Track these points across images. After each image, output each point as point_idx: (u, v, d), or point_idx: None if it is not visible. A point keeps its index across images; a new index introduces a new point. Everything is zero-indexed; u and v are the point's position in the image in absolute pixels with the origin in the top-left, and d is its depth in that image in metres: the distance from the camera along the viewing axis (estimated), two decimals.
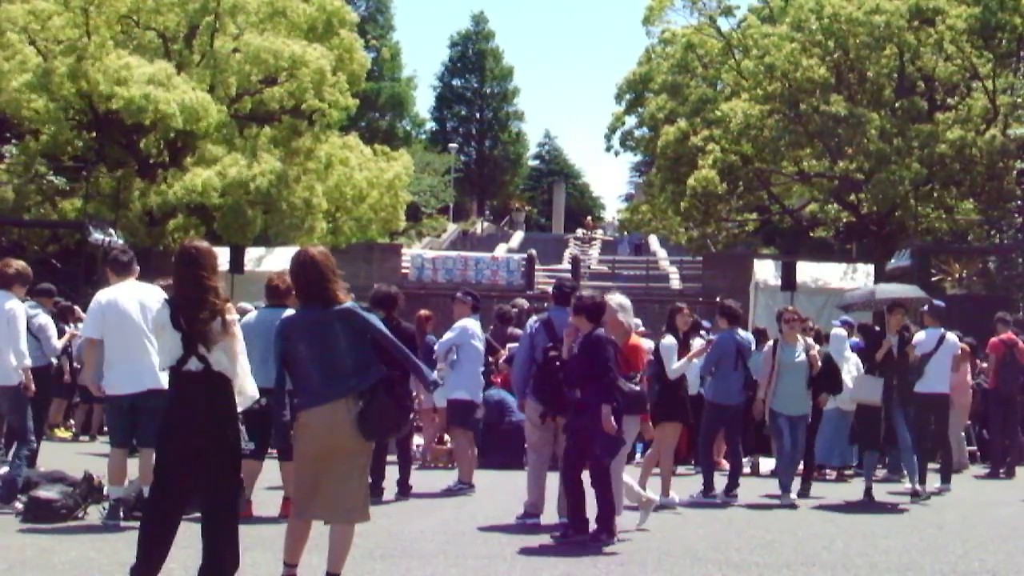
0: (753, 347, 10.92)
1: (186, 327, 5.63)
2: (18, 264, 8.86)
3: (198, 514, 5.76)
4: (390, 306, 9.60)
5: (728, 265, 28.42)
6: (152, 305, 7.43)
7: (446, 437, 12.71)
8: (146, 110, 23.57)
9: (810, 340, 10.74)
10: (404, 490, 9.94)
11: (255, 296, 10.97)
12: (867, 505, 10.26)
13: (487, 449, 12.41)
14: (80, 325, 14.52)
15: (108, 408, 8.59)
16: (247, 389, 5.88)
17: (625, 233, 45.11)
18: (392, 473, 9.97)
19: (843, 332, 12.92)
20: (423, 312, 13.39)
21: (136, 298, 7.78)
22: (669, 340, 10.02)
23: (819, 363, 10.43)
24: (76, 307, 14.65)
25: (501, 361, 13.61)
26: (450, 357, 10.66)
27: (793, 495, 10.27)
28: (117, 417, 8.12)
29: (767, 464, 13.61)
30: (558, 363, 8.38)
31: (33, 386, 8.75)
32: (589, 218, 63.69)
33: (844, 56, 26.61)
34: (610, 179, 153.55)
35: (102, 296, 7.95)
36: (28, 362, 8.65)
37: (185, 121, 24.28)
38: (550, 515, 8.56)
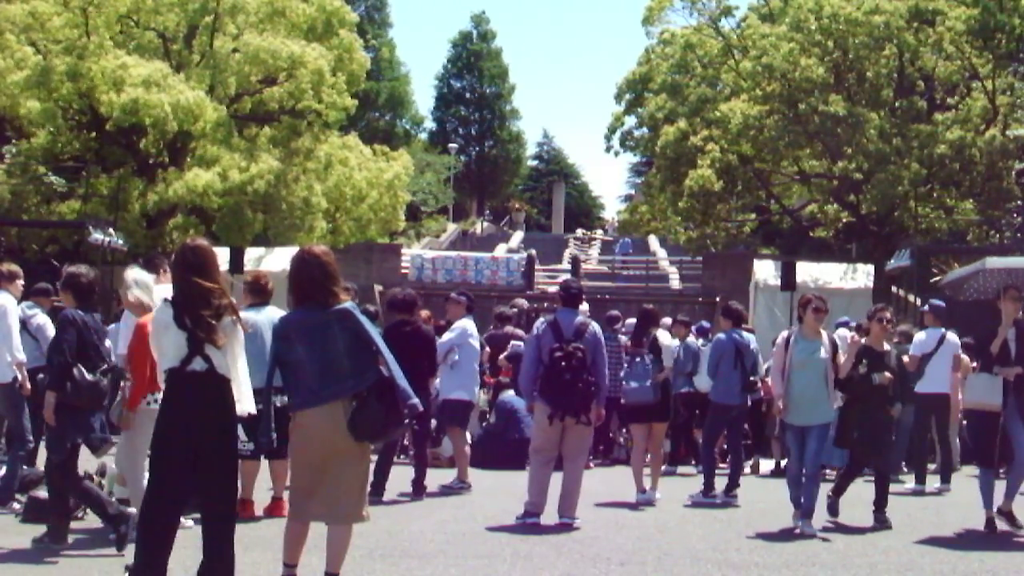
0: (751, 346, 10.80)
1: (192, 326, 5.59)
2: (7, 264, 8.89)
3: (196, 515, 5.76)
4: (408, 310, 9.64)
5: (728, 265, 28.40)
6: None
7: (440, 448, 12.67)
8: (138, 114, 23.60)
9: (828, 336, 9.09)
10: (419, 490, 9.93)
11: None
12: (867, 505, 10.22)
13: (488, 455, 12.37)
14: None
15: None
16: (243, 398, 5.80)
17: (618, 243, 45.29)
18: (400, 473, 9.96)
19: (846, 333, 12.92)
20: (424, 312, 13.40)
21: None
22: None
23: (840, 365, 8.91)
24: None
25: (501, 357, 13.61)
26: (451, 358, 10.66)
27: (821, 518, 8.68)
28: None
29: (767, 464, 13.64)
30: (564, 363, 8.41)
31: (29, 384, 8.74)
32: (602, 222, 64.40)
33: (843, 56, 26.63)
34: (610, 179, 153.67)
35: None
36: (21, 357, 8.64)
37: (181, 122, 24.27)
38: (550, 515, 8.58)
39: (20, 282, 8.98)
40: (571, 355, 8.45)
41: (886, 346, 9.37)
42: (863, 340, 9.40)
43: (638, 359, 10.23)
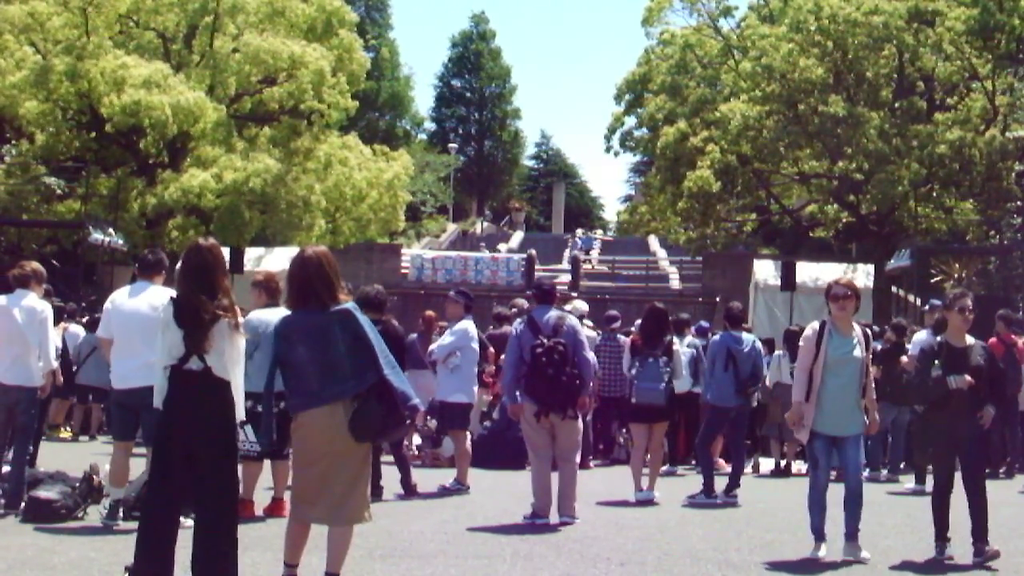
0: (746, 349, 10.70)
1: (186, 327, 5.61)
2: (33, 264, 8.89)
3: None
4: (379, 308, 9.60)
5: (728, 265, 28.44)
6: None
7: (441, 448, 12.66)
8: (139, 115, 23.59)
9: (860, 329, 7.83)
10: (408, 490, 9.94)
11: None
12: (867, 505, 10.21)
13: (488, 455, 12.38)
14: (71, 324, 14.65)
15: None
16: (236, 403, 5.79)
17: (581, 239, 45.58)
18: (391, 473, 9.97)
19: None
20: (429, 312, 13.40)
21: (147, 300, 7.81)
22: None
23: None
24: (70, 304, 14.71)
25: (502, 357, 13.59)
26: (451, 361, 10.66)
27: (864, 553, 7.37)
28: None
29: (767, 464, 13.65)
30: (545, 359, 8.44)
31: (49, 388, 8.82)
32: (602, 222, 64.88)
33: (843, 57, 26.62)
34: (610, 179, 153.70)
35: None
36: (54, 365, 8.67)
37: (181, 123, 24.26)
38: (555, 515, 8.59)
39: None
40: (552, 350, 8.52)
41: (968, 340, 7.74)
42: (939, 337, 8.05)
43: (651, 360, 10.19)
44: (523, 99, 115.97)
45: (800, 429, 7.58)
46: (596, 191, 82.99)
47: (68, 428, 15.38)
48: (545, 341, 8.54)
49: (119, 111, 23.68)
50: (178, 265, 6.01)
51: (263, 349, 7.00)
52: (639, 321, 11.68)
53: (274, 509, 8.33)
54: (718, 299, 25.59)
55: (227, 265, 5.97)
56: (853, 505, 7.48)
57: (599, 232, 57.94)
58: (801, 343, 7.77)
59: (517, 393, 8.70)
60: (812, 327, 7.73)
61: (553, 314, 8.79)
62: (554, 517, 8.57)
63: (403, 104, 57.58)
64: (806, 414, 7.51)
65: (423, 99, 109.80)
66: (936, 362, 7.60)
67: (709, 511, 9.72)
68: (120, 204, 25.48)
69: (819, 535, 7.51)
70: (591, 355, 9.02)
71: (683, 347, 12.21)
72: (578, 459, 9.06)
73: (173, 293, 7.10)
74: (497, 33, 67.08)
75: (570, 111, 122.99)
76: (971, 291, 10.44)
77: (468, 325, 10.76)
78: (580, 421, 9.00)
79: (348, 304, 5.69)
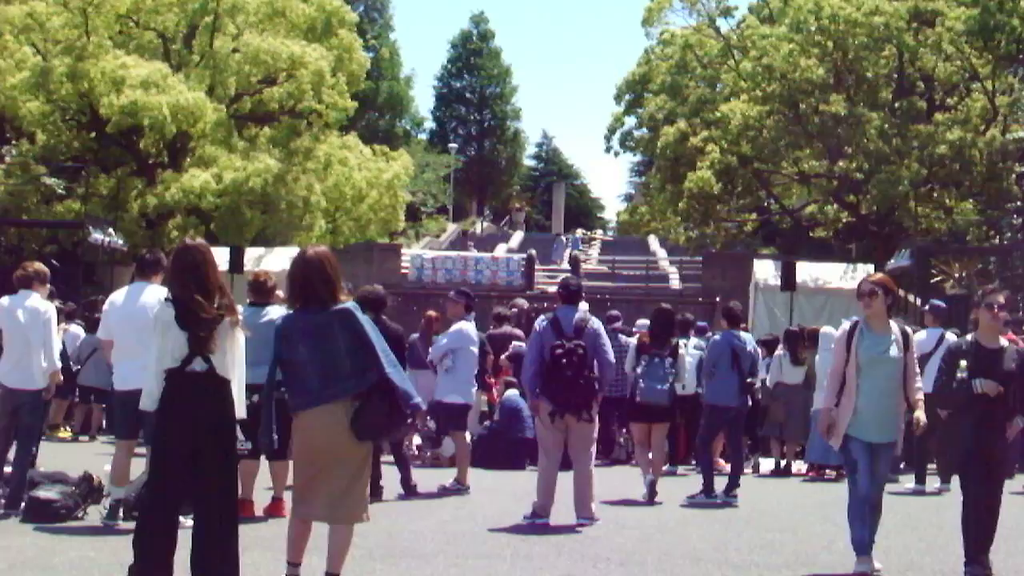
0: (749, 348, 10.73)
1: (190, 328, 5.60)
2: (36, 265, 8.88)
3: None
4: (377, 308, 9.59)
5: (728, 265, 28.40)
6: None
7: (441, 448, 12.67)
8: (137, 116, 23.59)
9: (899, 327, 7.21)
10: (408, 489, 9.94)
11: None
12: None
13: (489, 454, 12.38)
14: (71, 324, 14.65)
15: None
16: (237, 402, 5.80)
17: (569, 241, 45.61)
18: (390, 473, 9.97)
19: (832, 330, 12.90)
20: (432, 313, 13.38)
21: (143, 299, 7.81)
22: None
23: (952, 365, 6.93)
24: (70, 304, 14.72)
25: (503, 357, 13.58)
26: (446, 362, 10.66)
27: (877, 564, 6.98)
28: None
29: (767, 464, 13.65)
30: (564, 360, 8.43)
31: (54, 390, 8.81)
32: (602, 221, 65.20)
33: (843, 57, 26.66)
34: (610, 179, 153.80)
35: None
36: (57, 366, 8.67)
37: (180, 123, 24.27)
38: (555, 516, 8.58)
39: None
40: (572, 352, 8.50)
41: (1002, 341, 7.10)
42: (969, 336, 7.36)
43: (657, 360, 10.20)
44: (523, 99, 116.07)
45: (830, 436, 7.08)
46: (596, 191, 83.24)
47: (68, 428, 15.38)
48: (566, 343, 8.54)
49: (117, 112, 23.69)
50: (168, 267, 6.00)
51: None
52: (641, 320, 11.66)
53: (274, 509, 8.33)
54: (718, 299, 25.57)
55: (216, 263, 5.94)
56: (876, 515, 7.09)
57: (599, 232, 58.00)
58: (832, 344, 7.29)
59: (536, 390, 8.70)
60: (843, 327, 7.27)
61: (577, 315, 8.77)
62: (556, 519, 8.55)
63: (403, 104, 57.57)
64: (838, 419, 7.00)
65: (423, 99, 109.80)
66: (962, 363, 6.94)
67: (709, 511, 9.72)
68: (120, 204, 25.48)
69: (860, 548, 6.89)
70: (611, 356, 8.98)
71: (690, 348, 12.23)
72: (593, 460, 9.01)
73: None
74: (497, 33, 67.22)
75: (570, 111, 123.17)
76: (971, 291, 10.39)
77: (465, 326, 10.72)
78: (596, 423, 8.97)
79: (349, 304, 5.70)
